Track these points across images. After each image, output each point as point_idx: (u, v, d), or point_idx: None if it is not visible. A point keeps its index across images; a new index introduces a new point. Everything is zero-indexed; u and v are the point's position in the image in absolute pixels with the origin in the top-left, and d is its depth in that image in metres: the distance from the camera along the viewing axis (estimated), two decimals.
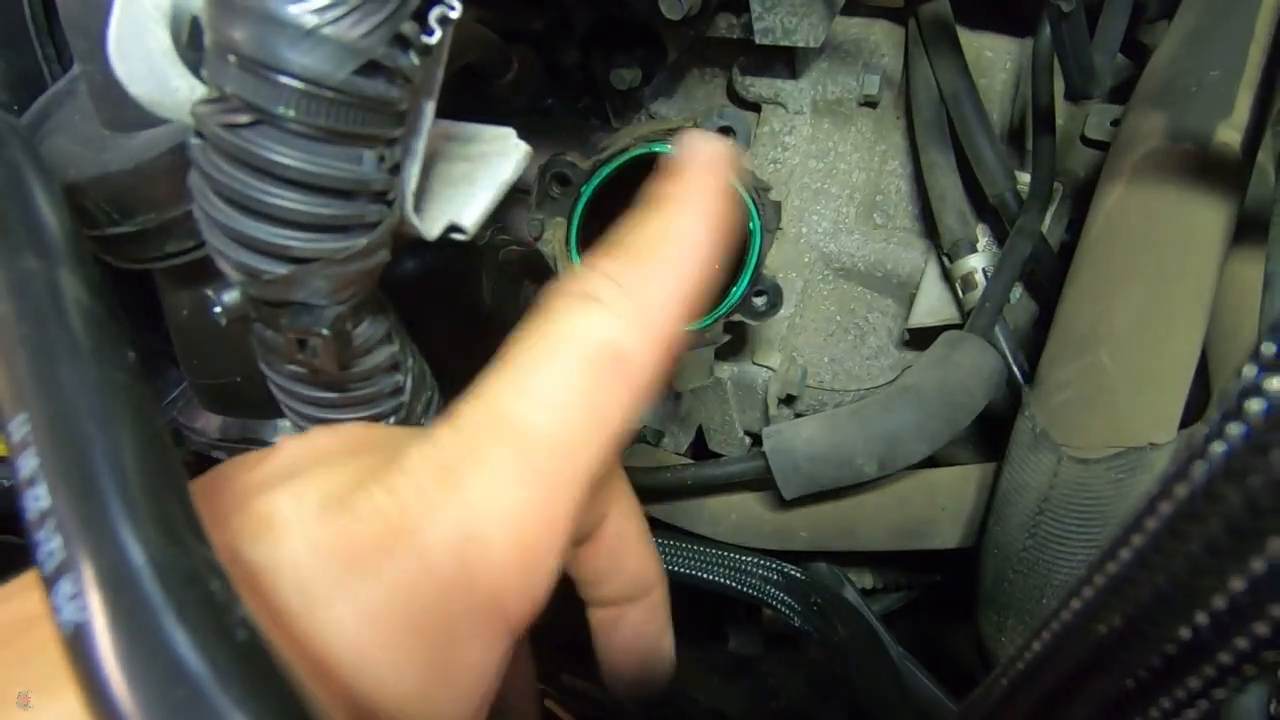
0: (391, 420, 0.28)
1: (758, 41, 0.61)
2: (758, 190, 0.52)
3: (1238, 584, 0.13)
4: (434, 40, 0.21)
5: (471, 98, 0.73)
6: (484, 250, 0.64)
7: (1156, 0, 0.52)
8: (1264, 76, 0.45)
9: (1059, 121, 0.61)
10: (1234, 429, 0.12)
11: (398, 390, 0.28)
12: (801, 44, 0.61)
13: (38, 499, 0.13)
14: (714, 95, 0.74)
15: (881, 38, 0.68)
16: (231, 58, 0.19)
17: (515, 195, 0.64)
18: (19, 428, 0.15)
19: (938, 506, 0.52)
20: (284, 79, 0.19)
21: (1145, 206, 0.45)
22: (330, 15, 0.19)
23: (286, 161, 0.20)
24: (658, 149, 0.50)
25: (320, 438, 0.21)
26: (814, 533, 0.55)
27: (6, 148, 0.24)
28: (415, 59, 0.21)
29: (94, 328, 0.17)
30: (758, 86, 0.70)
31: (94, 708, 0.12)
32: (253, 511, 0.18)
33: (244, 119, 0.20)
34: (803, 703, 0.63)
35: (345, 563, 0.17)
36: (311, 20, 0.19)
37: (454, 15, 0.22)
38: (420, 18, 0.21)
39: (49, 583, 0.13)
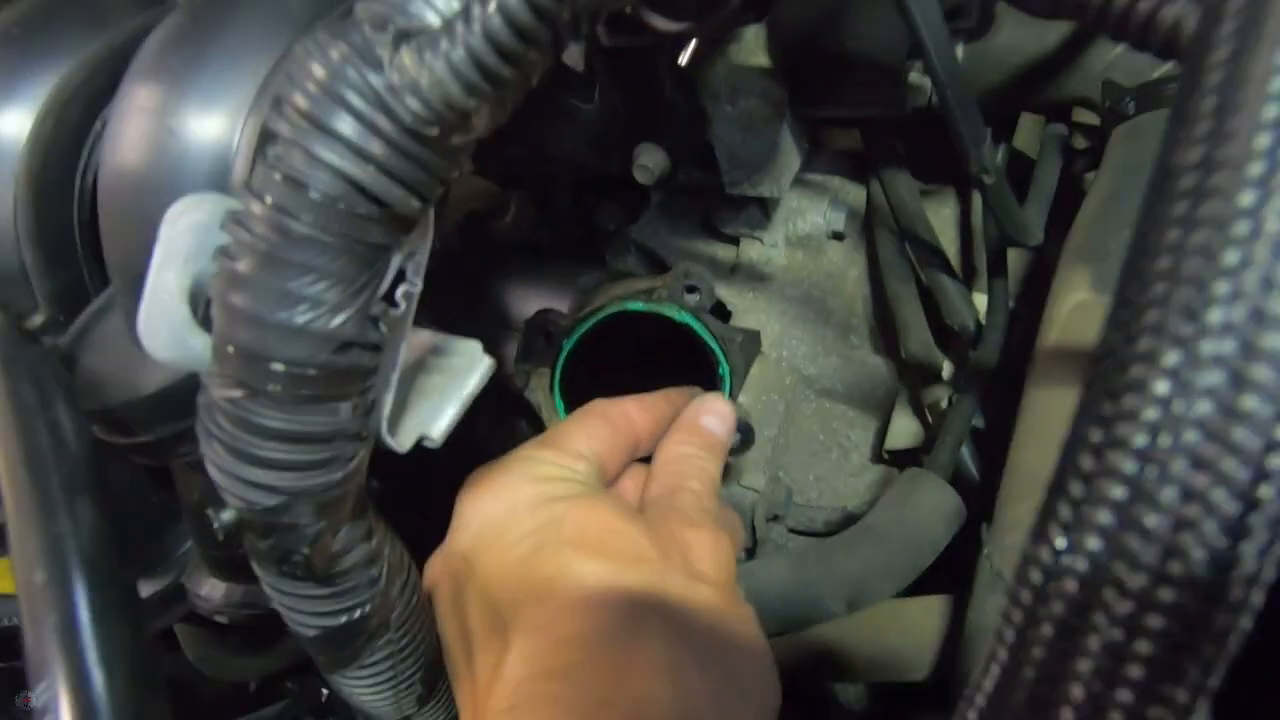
0: (367, 608, 0.31)
1: (727, 191, 0.66)
2: (725, 339, 0.56)
3: None
4: (400, 313, 0.26)
5: (472, 238, 0.80)
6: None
7: (1084, 159, 0.57)
8: None
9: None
10: None
11: (374, 582, 0.31)
12: (767, 195, 0.66)
13: None
14: (694, 231, 0.80)
15: (845, 180, 0.74)
16: (230, 348, 0.24)
17: (509, 334, 0.69)
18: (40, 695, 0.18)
19: (910, 638, 0.54)
20: (273, 365, 0.24)
21: (1078, 353, 0.48)
22: (312, 315, 0.24)
23: (273, 425, 0.25)
24: (630, 307, 0.55)
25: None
26: (787, 663, 0.56)
27: (47, 389, 0.29)
28: (385, 329, 0.26)
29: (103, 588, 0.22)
30: (734, 224, 0.76)
31: None
32: None
33: (239, 394, 0.24)
34: None
35: None
36: (299, 322, 0.23)
37: (416, 291, 0.26)
38: (389, 296, 0.26)
39: None
